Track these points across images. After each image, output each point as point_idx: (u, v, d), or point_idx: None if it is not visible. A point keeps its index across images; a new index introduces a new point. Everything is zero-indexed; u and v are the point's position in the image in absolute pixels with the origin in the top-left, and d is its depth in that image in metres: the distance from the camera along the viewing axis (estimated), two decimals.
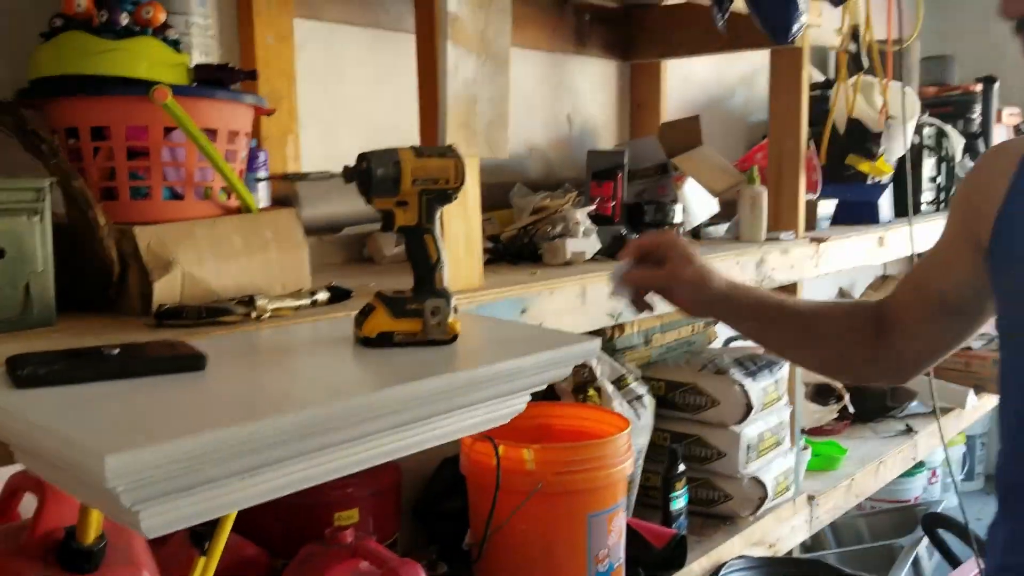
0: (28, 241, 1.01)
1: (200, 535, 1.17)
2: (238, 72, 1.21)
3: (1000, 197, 1.07)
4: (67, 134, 1.16)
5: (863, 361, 1.25)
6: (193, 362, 0.86)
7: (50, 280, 1.04)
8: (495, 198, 1.96)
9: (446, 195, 1.02)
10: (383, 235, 1.70)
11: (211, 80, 1.19)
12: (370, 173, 0.98)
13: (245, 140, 1.27)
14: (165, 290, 1.11)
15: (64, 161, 1.08)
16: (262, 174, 1.41)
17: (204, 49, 1.33)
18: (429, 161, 1.00)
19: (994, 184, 1.08)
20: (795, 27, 1.80)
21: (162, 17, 1.17)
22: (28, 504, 1.20)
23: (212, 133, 1.19)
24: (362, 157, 0.99)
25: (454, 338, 1.02)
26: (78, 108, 1.14)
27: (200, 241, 1.16)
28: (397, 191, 0.99)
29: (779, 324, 1.26)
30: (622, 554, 1.60)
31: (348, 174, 0.99)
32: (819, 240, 2.27)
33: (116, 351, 0.85)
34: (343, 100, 1.76)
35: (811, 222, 2.40)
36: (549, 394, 1.99)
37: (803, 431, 2.51)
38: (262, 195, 1.41)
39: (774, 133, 2.31)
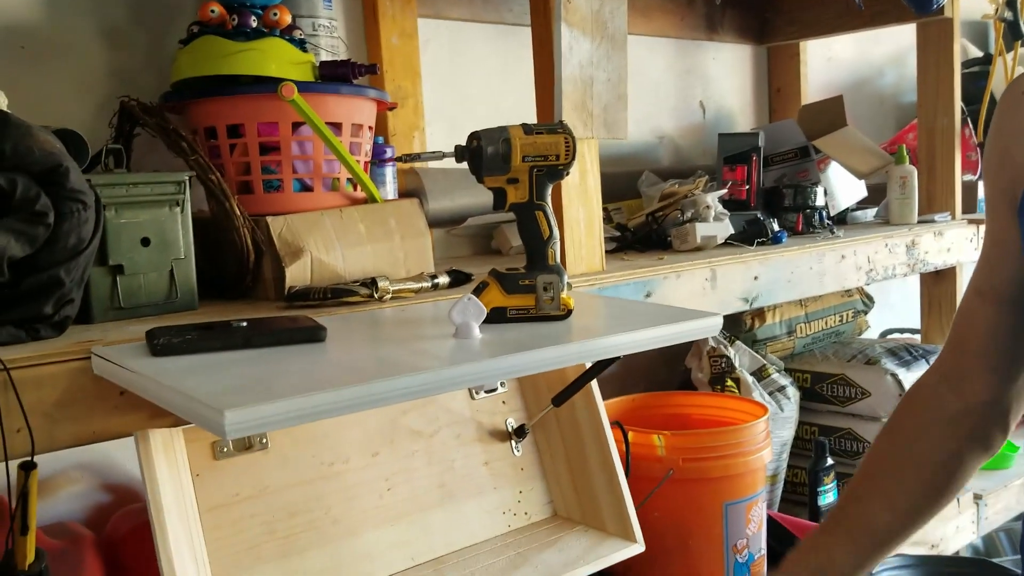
0: (171, 230, 1.09)
1: None
2: (360, 67, 1.25)
3: None
4: (207, 134, 1.25)
5: (966, 432, 0.96)
6: (314, 334, 0.90)
7: (191, 267, 1.12)
8: (624, 187, 1.94)
9: (556, 171, 1.02)
10: (509, 227, 1.72)
11: (335, 76, 1.24)
12: (480, 151, 0.99)
13: (369, 133, 1.32)
14: (296, 275, 1.16)
15: (202, 156, 1.15)
16: (389, 168, 1.46)
17: (330, 49, 1.39)
18: (539, 138, 1.01)
19: None
20: None
21: (288, 19, 1.23)
22: None
23: (337, 127, 1.24)
24: (473, 136, 1.01)
25: (568, 313, 1.02)
26: (214, 108, 1.22)
27: (328, 229, 1.21)
28: (508, 168, 1.00)
29: (891, 484, 0.97)
30: (763, 545, 1.54)
31: (460, 153, 1.01)
32: (979, 222, 2.12)
33: (244, 324, 0.90)
34: (468, 95, 1.79)
35: (969, 204, 2.24)
36: (686, 386, 1.95)
37: None
38: (390, 189, 1.45)
39: (924, 111, 2.18)
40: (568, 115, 1.27)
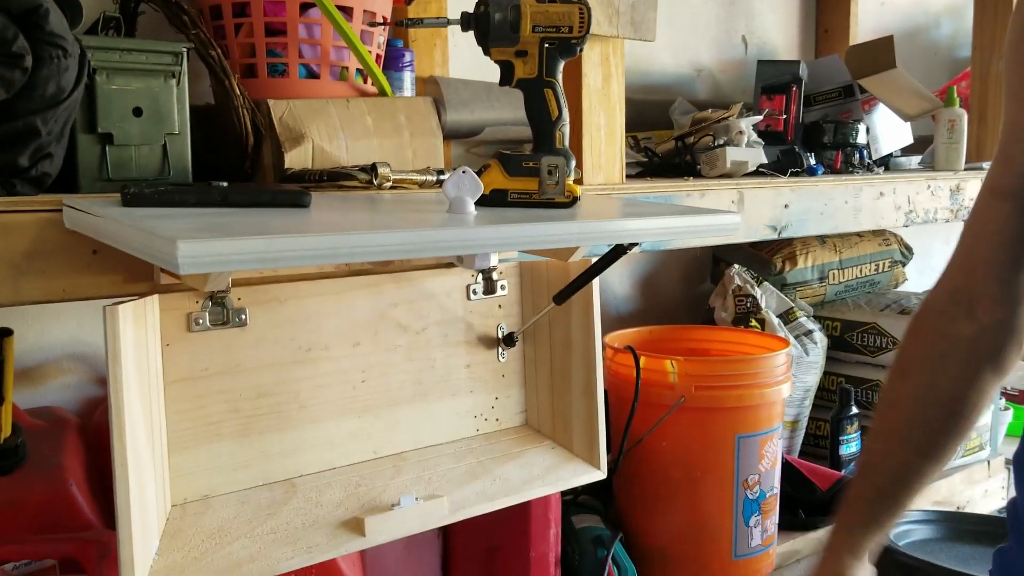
0: (165, 102, 1.04)
1: None
2: None
3: None
4: (212, 15, 1.19)
5: (979, 348, 0.84)
6: (297, 198, 0.85)
7: (186, 144, 1.06)
8: (657, 118, 1.86)
9: (569, 45, 0.95)
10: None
11: None
12: (487, 18, 0.93)
13: (382, 24, 1.26)
14: (296, 161, 1.11)
15: (204, 32, 1.10)
16: (408, 74, 1.40)
17: None
18: (551, 7, 0.94)
19: None
20: None
21: None
22: None
23: (348, 12, 1.18)
24: (481, 2, 0.94)
25: (573, 201, 0.95)
26: None
27: (333, 118, 1.15)
28: (516, 39, 0.94)
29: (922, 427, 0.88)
30: (776, 484, 1.47)
31: (465, 20, 0.95)
32: None
33: (223, 185, 0.85)
34: None
35: None
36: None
37: (1006, 392, 2.24)
38: (407, 95, 1.39)
39: (978, 54, 2.07)
40: (593, 10, 1.19)
